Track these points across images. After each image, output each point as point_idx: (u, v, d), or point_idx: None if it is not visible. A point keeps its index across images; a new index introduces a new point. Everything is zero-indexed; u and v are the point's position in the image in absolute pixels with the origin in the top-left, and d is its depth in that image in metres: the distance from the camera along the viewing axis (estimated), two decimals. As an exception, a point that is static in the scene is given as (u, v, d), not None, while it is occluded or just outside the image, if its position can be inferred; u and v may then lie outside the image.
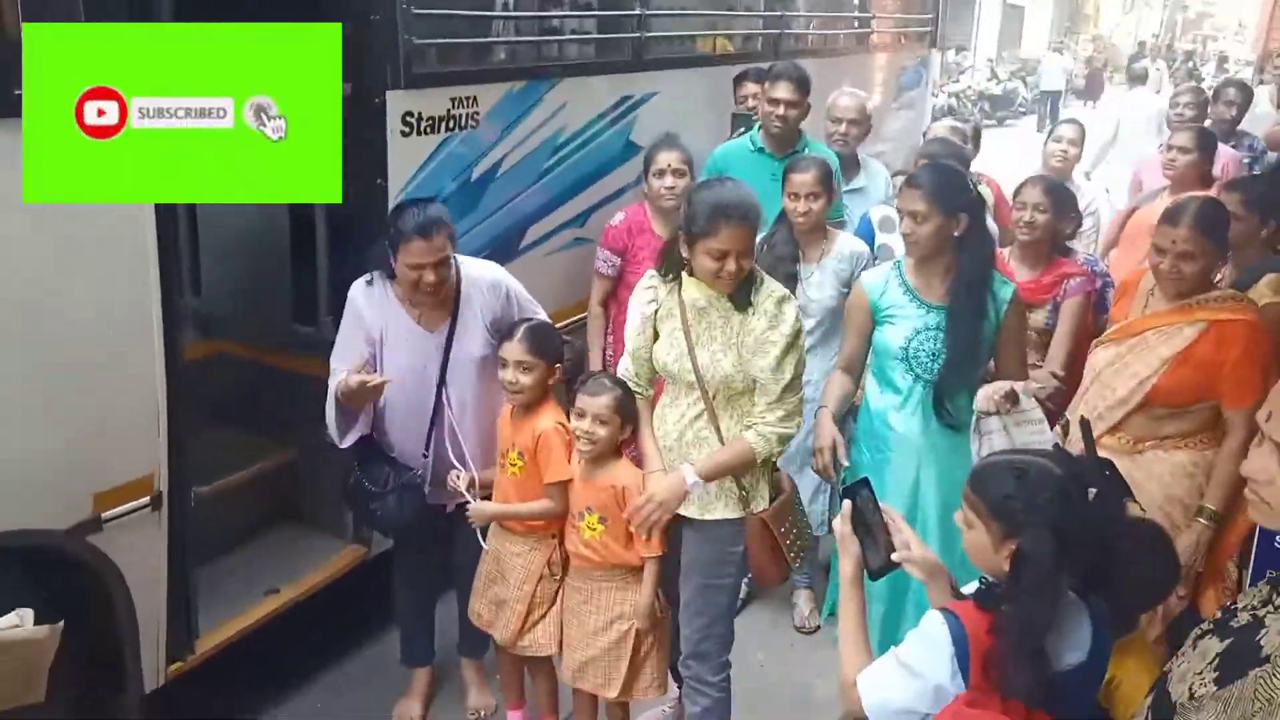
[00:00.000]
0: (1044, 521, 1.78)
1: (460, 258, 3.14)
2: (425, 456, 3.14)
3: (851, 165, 4.60)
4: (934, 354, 3.05)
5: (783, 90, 4.26)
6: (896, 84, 7.48)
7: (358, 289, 3.08)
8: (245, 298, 3.96)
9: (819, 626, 4.01)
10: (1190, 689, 1.43)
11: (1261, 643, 1.38)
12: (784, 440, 2.78)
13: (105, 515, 2.62)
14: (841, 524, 2.05)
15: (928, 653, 1.84)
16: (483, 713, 3.51)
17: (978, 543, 1.89)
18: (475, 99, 3.66)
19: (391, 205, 3.37)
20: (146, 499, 2.73)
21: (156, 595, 2.84)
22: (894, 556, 2.00)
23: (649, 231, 4.04)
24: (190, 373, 2.99)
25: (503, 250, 3.93)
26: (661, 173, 3.97)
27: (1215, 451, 2.98)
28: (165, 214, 2.65)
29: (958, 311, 3.04)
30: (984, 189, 4.51)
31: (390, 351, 3.08)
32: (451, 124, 3.58)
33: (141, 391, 2.69)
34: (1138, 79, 10.05)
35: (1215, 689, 1.39)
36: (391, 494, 3.12)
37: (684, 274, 2.77)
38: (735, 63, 5.28)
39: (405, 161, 3.42)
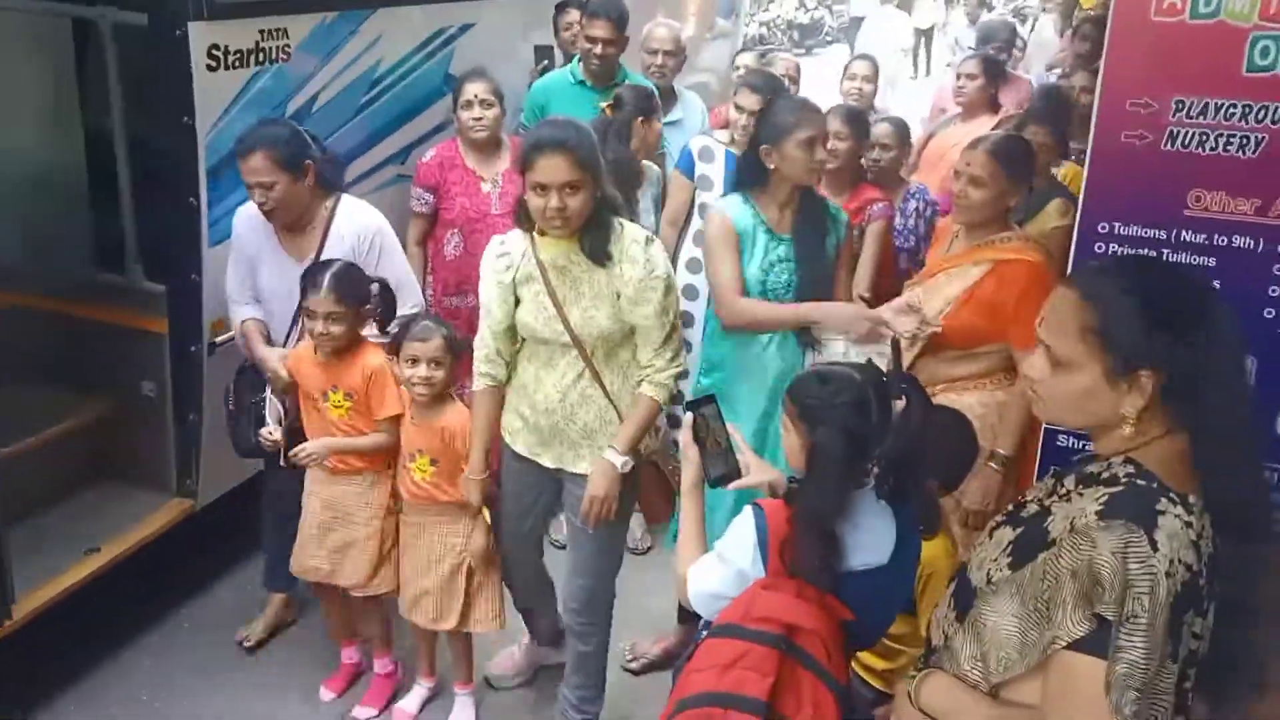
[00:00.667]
0: (837, 420, 1.97)
1: (347, 198, 3.31)
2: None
3: (669, 97, 4.63)
4: (788, 284, 3.12)
5: (600, 28, 4.27)
6: (712, 13, 7.57)
7: (241, 213, 3.26)
8: (40, 245, 3.70)
9: (650, 548, 4.16)
10: (988, 574, 1.59)
11: (1049, 528, 1.53)
12: (678, 379, 2.83)
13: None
14: (684, 434, 2.20)
15: (736, 541, 2.04)
16: (252, 639, 3.55)
17: (790, 444, 2.08)
18: (286, 30, 3.51)
19: (201, 144, 3.24)
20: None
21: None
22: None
23: (460, 166, 4.00)
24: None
25: (322, 189, 3.82)
26: (469, 104, 3.93)
27: (1005, 394, 2.99)
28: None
29: (806, 241, 3.12)
30: None
31: (263, 273, 3.25)
32: (261, 57, 3.43)
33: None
34: None
35: (1010, 573, 1.54)
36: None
37: (534, 234, 2.73)
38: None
39: (213, 98, 3.26)
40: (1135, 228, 2.71)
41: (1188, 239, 2.67)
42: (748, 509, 2.05)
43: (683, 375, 2.86)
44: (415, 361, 2.88)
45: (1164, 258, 2.67)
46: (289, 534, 3.26)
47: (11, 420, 3.17)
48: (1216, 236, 2.66)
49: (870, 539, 2.00)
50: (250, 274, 3.26)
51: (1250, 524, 1.51)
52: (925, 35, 16.39)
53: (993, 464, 2.94)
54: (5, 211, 3.73)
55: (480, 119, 3.91)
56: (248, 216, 3.23)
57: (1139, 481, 1.48)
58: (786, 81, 4.66)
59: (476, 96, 3.91)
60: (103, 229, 3.56)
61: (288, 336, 3.27)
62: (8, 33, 3.52)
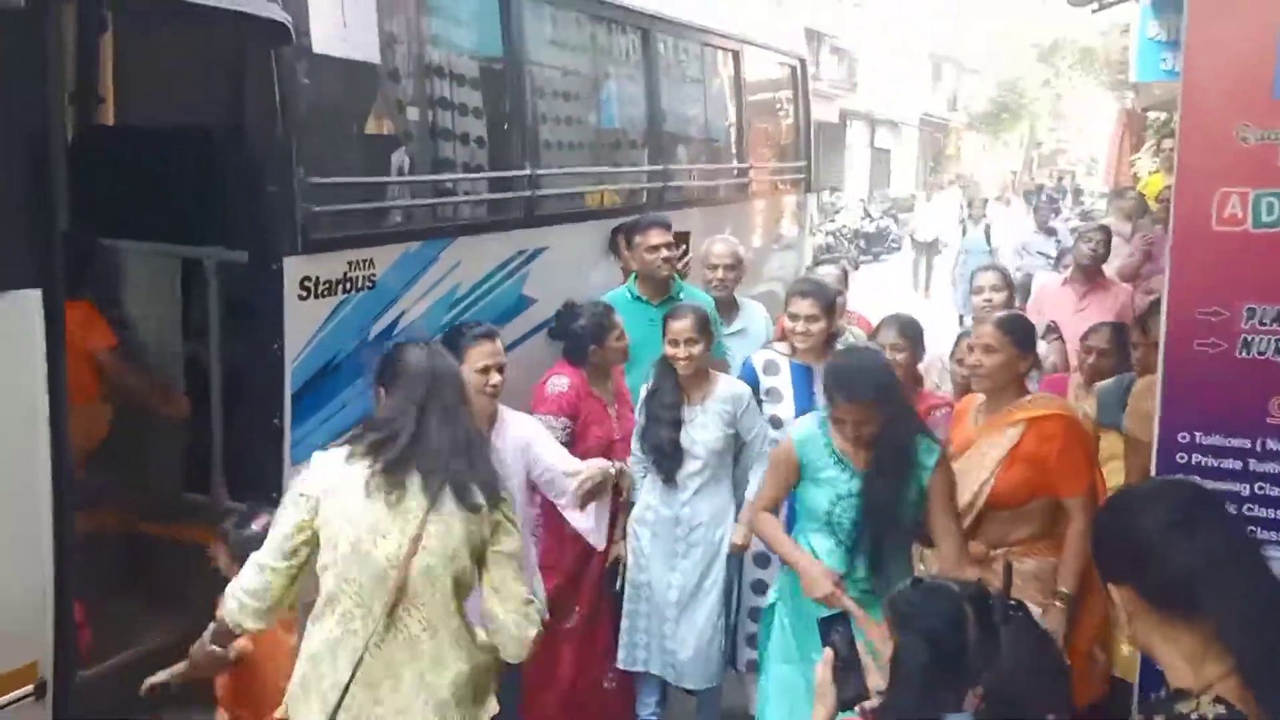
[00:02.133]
0: (923, 627, 1.91)
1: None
2: None
3: (730, 308, 4.74)
4: (856, 521, 3.02)
5: (657, 236, 4.46)
6: (776, 228, 7.85)
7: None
8: (133, 469, 3.85)
9: None
10: None
11: None
12: None
13: (-14, 708, 2.49)
14: (824, 670, 2.08)
15: None
16: None
17: (884, 652, 2.03)
18: (372, 261, 3.73)
19: (288, 369, 3.39)
20: (30, 686, 2.60)
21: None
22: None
23: (590, 396, 3.97)
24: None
25: (402, 407, 3.95)
26: (621, 335, 4.01)
27: (1059, 558, 3.18)
28: (57, 399, 2.60)
29: (876, 477, 3.00)
30: (854, 329, 4.72)
31: None
32: (349, 285, 3.63)
33: (28, 575, 2.59)
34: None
35: None
36: None
37: None
38: (622, 215, 5.49)
39: (301, 325, 3.44)
40: (1217, 437, 2.65)
41: (1273, 447, 2.60)
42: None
43: None
44: None
45: (1250, 467, 2.61)
46: None
47: (94, 640, 3.20)
48: (1304, 445, 2.59)
49: None
50: None
51: None
52: (928, 248, 16.01)
53: (1058, 602, 3.13)
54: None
55: (622, 347, 4.04)
56: None
57: None
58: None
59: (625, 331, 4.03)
60: (192, 451, 3.70)
61: None
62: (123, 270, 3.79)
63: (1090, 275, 5.78)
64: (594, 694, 3.89)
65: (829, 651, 2.11)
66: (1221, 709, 1.40)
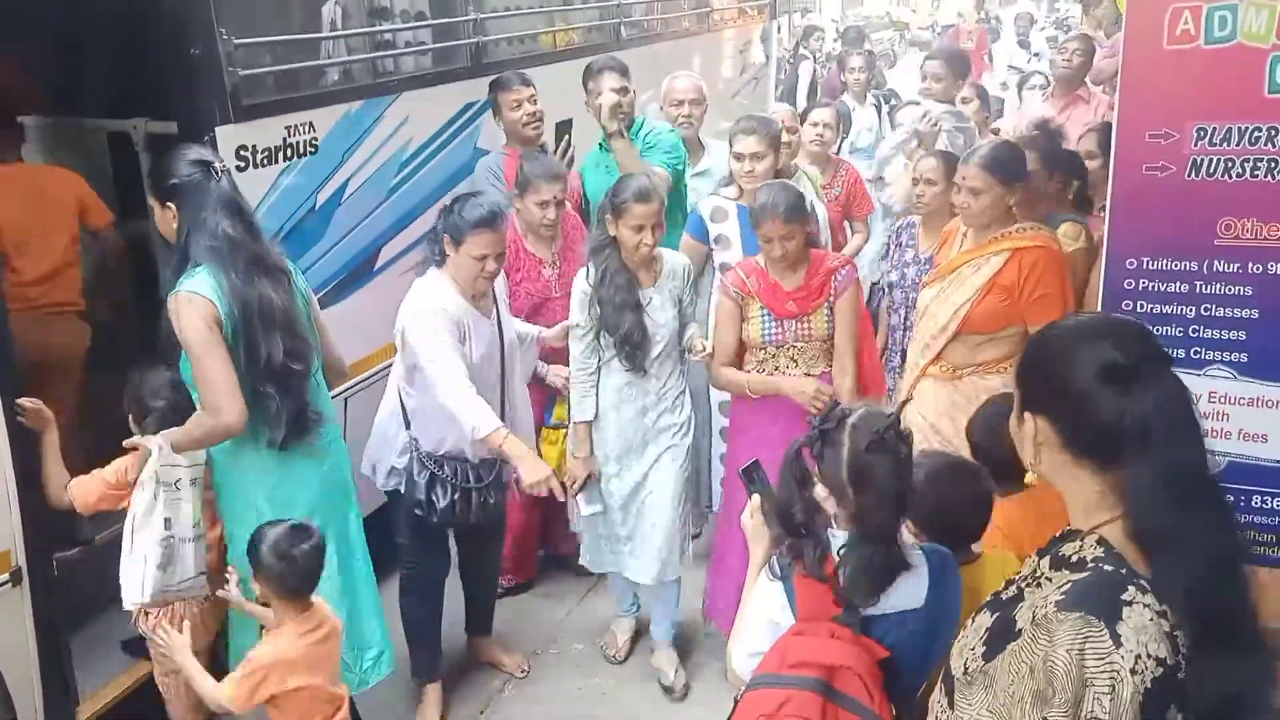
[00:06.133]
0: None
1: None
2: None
3: (695, 148, 4.65)
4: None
5: (612, 80, 4.27)
6: (742, 60, 7.61)
7: (435, 304, 3.27)
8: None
9: (687, 686, 3.72)
10: (965, 664, 1.46)
11: (1016, 616, 1.40)
12: None
13: (-39, 597, 2.54)
14: (751, 516, 2.16)
15: (763, 594, 2.06)
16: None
17: None
18: (311, 124, 3.61)
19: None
20: (4, 575, 2.65)
21: (28, 669, 2.76)
22: None
23: (523, 251, 3.93)
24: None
25: (358, 274, 3.90)
26: (544, 204, 3.78)
27: None
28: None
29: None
30: (808, 169, 4.60)
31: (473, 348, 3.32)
32: (289, 152, 3.53)
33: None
34: None
35: (983, 663, 1.41)
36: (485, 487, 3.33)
37: None
38: (579, 56, 5.29)
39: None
40: (1164, 261, 2.65)
41: (1220, 269, 2.60)
42: (771, 561, 2.07)
43: None
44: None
45: (1197, 289, 2.61)
46: (435, 620, 3.55)
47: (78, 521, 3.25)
48: (1251, 265, 2.58)
49: (905, 584, 2.00)
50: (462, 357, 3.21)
51: (1210, 622, 1.31)
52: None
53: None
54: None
55: (552, 220, 3.82)
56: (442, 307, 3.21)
57: (1105, 567, 1.37)
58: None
59: (554, 197, 3.79)
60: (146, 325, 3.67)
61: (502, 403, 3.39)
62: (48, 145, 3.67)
63: (1069, 86, 5.69)
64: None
65: (753, 500, 2.18)
66: (1101, 551, 1.39)
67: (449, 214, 3.23)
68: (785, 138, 4.30)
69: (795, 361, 3.42)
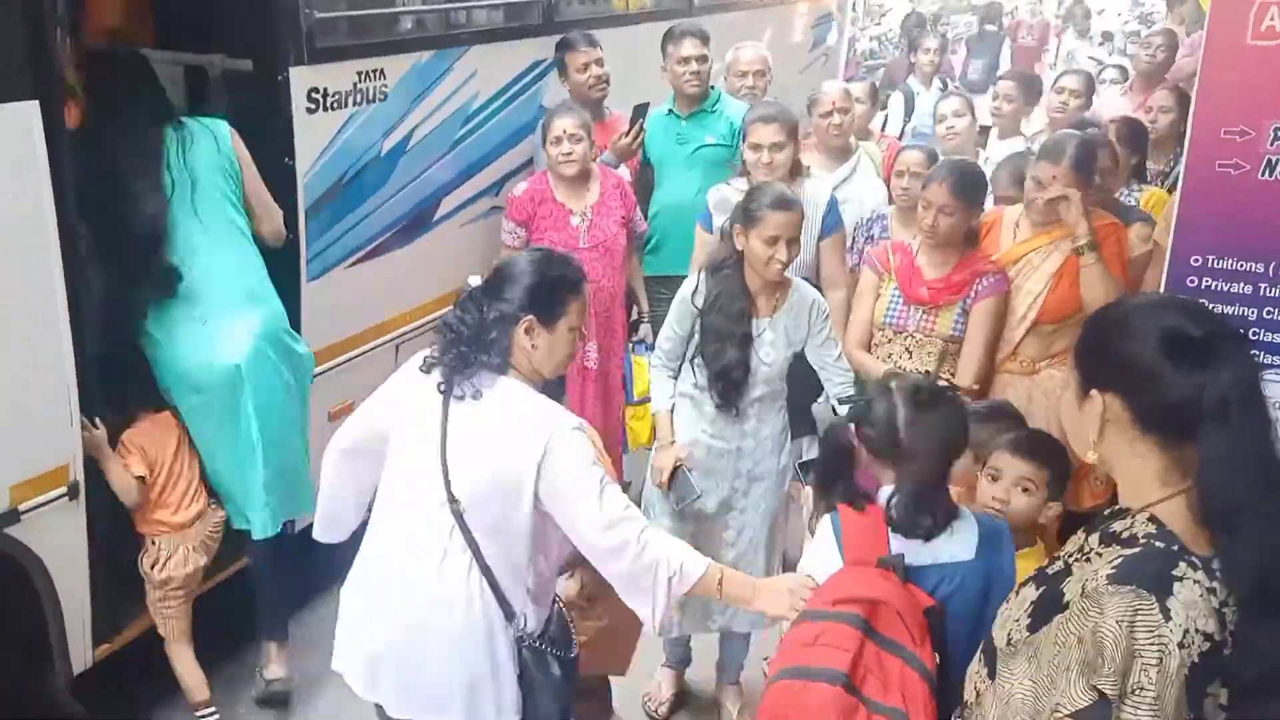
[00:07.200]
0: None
1: None
2: None
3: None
4: None
5: (691, 47, 4.29)
6: (812, 36, 7.53)
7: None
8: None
9: None
10: (1009, 635, 1.50)
11: (1064, 589, 1.43)
12: None
13: (22, 507, 2.63)
14: (805, 502, 2.34)
15: (817, 544, 2.13)
16: None
17: None
18: (383, 71, 3.65)
19: (300, 184, 3.38)
20: (63, 489, 2.75)
21: (79, 581, 2.86)
22: None
23: (550, 200, 4.01)
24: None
25: (418, 223, 3.95)
26: (558, 139, 3.92)
27: None
28: (65, 209, 2.63)
29: None
30: (872, 146, 4.57)
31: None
32: (359, 98, 3.57)
33: (53, 382, 2.69)
34: None
35: (1027, 634, 1.45)
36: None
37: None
38: (651, 20, 5.28)
39: (312, 139, 3.41)
40: (1231, 260, 2.60)
41: (1289, 273, 2.55)
42: (826, 515, 2.14)
43: None
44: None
45: (1261, 292, 2.56)
46: None
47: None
48: (1320, 270, 2.53)
49: (955, 536, 2.05)
50: None
51: (1269, 598, 1.33)
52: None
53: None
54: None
55: (569, 154, 3.92)
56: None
57: (1157, 544, 1.39)
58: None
59: (565, 132, 3.91)
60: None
61: None
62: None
63: (1150, 81, 5.51)
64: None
65: (806, 490, 2.29)
66: (1153, 528, 1.41)
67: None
68: (836, 119, 4.23)
69: (909, 353, 3.29)
